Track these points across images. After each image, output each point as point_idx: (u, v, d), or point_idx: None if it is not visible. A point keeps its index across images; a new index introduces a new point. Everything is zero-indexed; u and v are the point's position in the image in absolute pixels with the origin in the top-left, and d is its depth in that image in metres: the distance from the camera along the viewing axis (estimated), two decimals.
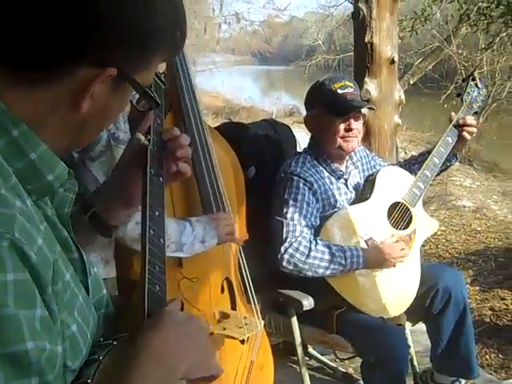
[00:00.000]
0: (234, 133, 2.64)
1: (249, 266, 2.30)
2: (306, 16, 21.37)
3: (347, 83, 2.42)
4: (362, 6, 3.43)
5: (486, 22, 6.55)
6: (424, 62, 10.24)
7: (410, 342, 2.77)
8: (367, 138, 3.51)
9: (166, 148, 1.20)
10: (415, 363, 2.80)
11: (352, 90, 2.42)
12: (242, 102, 17.13)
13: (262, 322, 2.04)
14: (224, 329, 1.95)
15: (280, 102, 16.71)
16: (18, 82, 0.82)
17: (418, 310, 2.48)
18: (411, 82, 14.51)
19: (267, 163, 2.62)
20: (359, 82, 3.48)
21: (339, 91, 2.39)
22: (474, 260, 5.70)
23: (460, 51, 11.01)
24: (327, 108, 2.40)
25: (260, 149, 2.65)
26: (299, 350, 2.39)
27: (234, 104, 17.33)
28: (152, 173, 1.17)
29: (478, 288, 4.98)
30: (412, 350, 2.79)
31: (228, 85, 19.20)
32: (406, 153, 15.04)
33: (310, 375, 2.72)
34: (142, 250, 1.07)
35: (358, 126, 2.42)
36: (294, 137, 2.82)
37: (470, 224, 6.85)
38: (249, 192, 2.40)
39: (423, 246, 6.83)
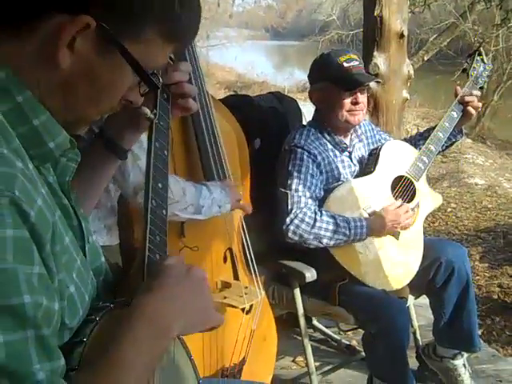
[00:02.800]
0: (239, 105, 2.65)
1: (253, 238, 2.32)
2: None
3: (352, 56, 2.42)
4: None
5: None
6: (439, 38, 10.13)
7: (413, 315, 2.80)
8: (375, 112, 3.51)
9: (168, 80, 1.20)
10: (418, 337, 2.82)
11: (357, 62, 2.41)
12: (254, 77, 17.07)
13: (263, 292, 2.06)
14: (225, 297, 1.97)
15: (292, 78, 16.63)
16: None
17: (421, 284, 2.49)
18: (425, 58, 14.39)
19: (272, 135, 2.62)
20: (368, 56, 3.48)
21: (345, 64, 2.38)
22: (484, 237, 5.70)
23: (476, 27, 10.88)
24: (334, 82, 2.39)
25: (265, 121, 2.65)
26: (302, 321, 2.41)
27: (247, 79, 17.28)
28: (157, 146, 1.18)
29: (486, 265, 4.99)
30: (415, 324, 2.81)
31: (241, 59, 19.12)
32: (418, 129, 14.95)
33: (314, 347, 2.75)
34: (144, 219, 1.09)
35: (363, 99, 2.42)
36: (299, 110, 2.82)
37: (480, 201, 6.84)
38: (253, 164, 2.42)
39: (433, 222, 6.86)
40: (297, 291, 2.39)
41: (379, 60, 3.45)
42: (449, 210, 6.95)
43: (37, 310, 0.73)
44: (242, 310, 2.01)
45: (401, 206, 2.42)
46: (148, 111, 1.17)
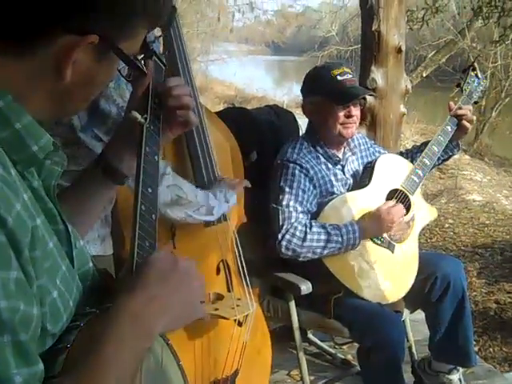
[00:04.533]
0: (236, 117, 2.65)
1: (248, 250, 2.31)
2: (320, 7, 21.25)
3: (345, 69, 2.43)
4: None
5: (497, 14, 6.50)
6: (437, 54, 10.18)
7: (409, 330, 2.79)
8: (372, 127, 3.52)
9: (168, 93, 1.22)
10: (414, 351, 2.81)
11: (351, 76, 2.43)
12: (253, 92, 17.13)
13: (255, 304, 2.05)
14: (216, 309, 1.96)
15: (291, 92, 16.67)
16: (1, 53, 0.83)
17: (417, 298, 2.48)
18: (424, 75, 14.45)
19: (268, 148, 2.62)
20: (366, 70, 3.49)
21: (338, 78, 2.39)
22: (481, 253, 5.70)
23: (474, 44, 10.94)
24: (327, 96, 2.40)
25: (262, 134, 2.65)
26: (297, 334, 2.40)
27: (246, 94, 17.34)
28: (147, 150, 1.18)
29: (483, 281, 4.98)
30: (411, 339, 2.80)
31: (240, 74, 19.20)
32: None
33: (309, 361, 2.73)
34: (132, 224, 1.09)
35: (356, 112, 2.44)
36: (296, 123, 2.82)
37: (478, 217, 6.85)
38: (250, 176, 2.41)
39: (430, 238, 6.85)
40: (292, 304, 2.39)
41: (377, 75, 3.46)
42: (446, 225, 6.95)
43: (13, 315, 0.73)
44: (235, 321, 2.00)
45: (394, 205, 2.42)
46: (138, 116, 1.18)
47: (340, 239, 2.30)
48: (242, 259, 2.11)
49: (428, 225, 7.31)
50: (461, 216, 7.04)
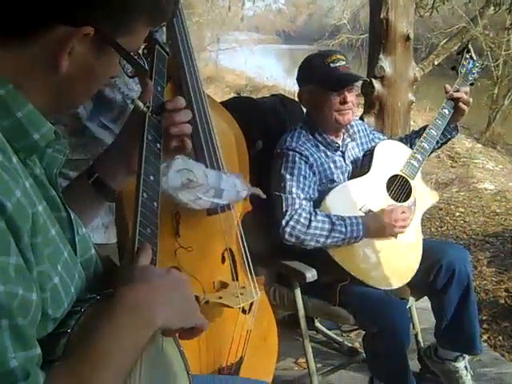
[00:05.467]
0: (241, 107, 2.66)
1: (254, 239, 2.32)
2: None
3: (339, 56, 2.44)
4: None
5: (509, 0, 6.44)
6: (449, 42, 10.11)
7: (415, 318, 2.79)
8: (380, 115, 3.52)
9: (167, 120, 1.22)
10: (420, 339, 2.81)
11: (344, 62, 2.44)
12: (264, 81, 17.07)
13: (259, 292, 2.06)
14: (220, 298, 1.98)
15: None
16: (1, 45, 0.84)
17: (422, 285, 2.49)
18: (435, 63, 14.24)
19: (274, 137, 2.62)
20: (374, 58, 3.48)
21: (332, 65, 2.41)
22: (492, 242, 5.68)
23: (486, 32, 10.84)
24: (321, 83, 2.42)
25: (267, 123, 2.66)
26: (303, 321, 2.41)
27: (257, 82, 17.29)
28: (149, 139, 1.19)
29: (494, 270, 4.98)
30: (417, 326, 2.81)
31: (251, 63, 19.14)
32: None
33: (316, 349, 2.76)
34: (134, 212, 1.10)
35: (352, 98, 2.44)
36: (302, 111, 2.82)
37: (489, 206, 6.83)
38: (255, 165, 2.43)
39: (441, 227, 6.84)
40: (297, 292, 2.40)
41: (385, 63, 3.46)
42: (457, 214, 6.93)
43: (11, 300, 0.74)
44: (239, 309, 2.02)
45: (399, 207, 2.42)
46: (141, 104, 1.19)
47: (344, 229, 2.31)
48: (246, 248, 2.12)
49: (438, 214, 7.31)
50: (472, 204, 7.02)
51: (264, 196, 2.04)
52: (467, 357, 2.62)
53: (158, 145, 1.21)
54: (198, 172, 1.71)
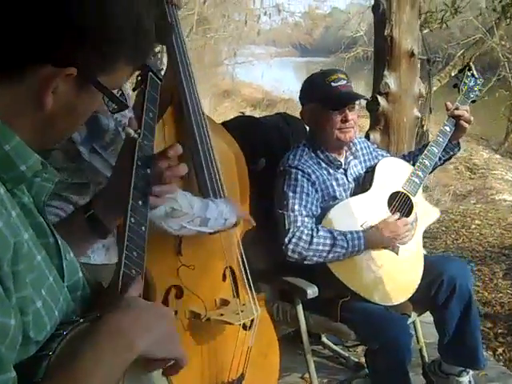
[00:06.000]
0: (244, 125, 2.73)
1: (257, 255, 2.38)
2: (348, 7, 21.20)
3: (340, 75, 2.49)
4: None
5: None
6: (466, 53, 10.08)
7: (419, 332, 2.81)
8: (386, 130, 3.56)
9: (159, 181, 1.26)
10: (424, 353, 2.83)
11: (345, 82, 2.49)
12: (281, 94, 17.13)
13: (259, 309, 2.11)
14: (221, 315, 2.03)
15: None
16: None
17: (424, 301, 2.52)
18: (452, 74, 14.19)
19: (277, 155, 2.67)
20: (379, 75, 3.53)
21: (333, 84, 2.46)
22: (508, 254, 5.65)
23: (503, 42, 10.81)
24: (323, 102, 2.47)
25: (270, 141, 2.71)
26: (305, 337, 2.45)
27: (274, 96, 17.35)
28: (139, 164, 1.24)
29: (509, 282, 4.95)
30: (422, 341, 2.83)
31: (268, 77, 19.20)
32: None
33: (322, 364, 2.79)
34: (121, 236, 1.15)
35: (353, 116, 2.49)
36: (305, 129, 2.87)
37: (505, 218, 6.79)
38: (259, 183, 2.49)
39: (456, 239, 6.81)
40: (299, 308, 2.44)
41: (390, 79, 3.50)
42: (473, 226, 6.91)
43: None
44: (240, 326, 2.07)
45: (399, 219, 2.46)
46: (132, 131, 1.24)
47: (345, 244, 2.35)
48: (246, 265, 2.17)
49: (454, 226, 7.27)
50: (488, 217, 7.00)
51: (253, 224, 2.10)
52: (471, 371, 2.63)
53: (148, 170, 1.26)
54: (183, 201, 1.75)
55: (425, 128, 8.95)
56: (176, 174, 1.28)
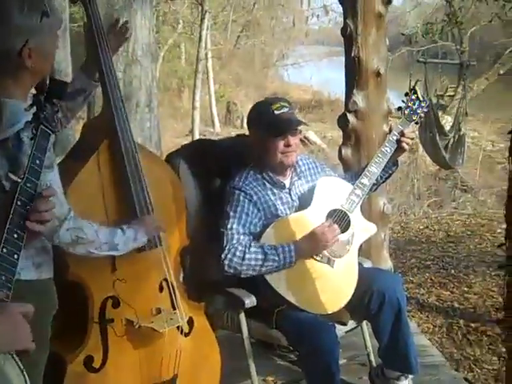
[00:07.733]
0: (202, 149, 3.01)
1: (210, 268, 2.69)
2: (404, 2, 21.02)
3: (282, 104, 2.72)
4: (349, 22, 3.66)
5: None
6: None
7: (367, 338, 3.01)
8: (356, 146, 3.76)
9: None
10: (371, 358, 3.02)
11: (287, 109, 2.71)
12: (330, 95, 17.26)
13: (186, 318, 2.41)
14: (151, 322, 2.34)
15: None
16: None
17: (360, 310, 2.72)
18: (501, 72, 14.07)
19: (234, 176, 2.92)
20: (349, 93, 3.74)
21: (276, 112, 2.69)
22: None
23: None
24: (266, 129, 2.70)
25: (227, 163, 2.96)
26: (246, 342, 2.69)
27: (324, 97, 17.49)
28: (19, 204, 1.55)
29: None
30: (369, 346, 3.03)
31: (317, 77, 19.33)
32: (493, 145, 14.62)
33: (288, 368, 3.04)
34: None
35: (295, 141, 2.71)
36: None
37: None
38: (214, 202, 2.78)
39: (480, 244, 6.85)
40: (242, 316, 2.67)
41: (357, 97, 3.70)
42: (498, 231, 6.94)
43: None
44: (173, 331, 2.39)
45: (329, 225, 2.66)
46: (15, 177, 1.55)
47: (276, 258, 2.58)
48: (180, 278, 2.47)
49: (479, 230, 7.29)
50: None
51: (187, 242, 2.42)
52: (410, 376, 2.82)
53: (28, 207, 1.57)
54: (89, 230, 2.03)
55: (462, 132, 8.92)
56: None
